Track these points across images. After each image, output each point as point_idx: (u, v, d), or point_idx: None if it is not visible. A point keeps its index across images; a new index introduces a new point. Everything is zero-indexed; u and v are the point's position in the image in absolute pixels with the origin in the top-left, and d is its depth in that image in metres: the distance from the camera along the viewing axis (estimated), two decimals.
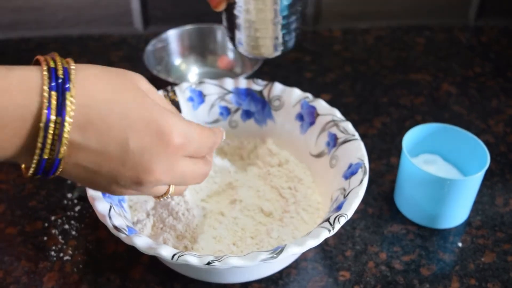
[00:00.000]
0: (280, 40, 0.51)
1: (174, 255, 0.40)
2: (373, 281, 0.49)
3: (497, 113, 0.70)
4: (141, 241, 0.41)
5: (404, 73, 0.76)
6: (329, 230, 0.41)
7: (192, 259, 0.39)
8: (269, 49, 0.52)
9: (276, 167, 0.55)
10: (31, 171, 0.34)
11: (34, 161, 0.33)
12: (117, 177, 0.35)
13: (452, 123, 0.56)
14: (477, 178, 0.51)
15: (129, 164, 0.35)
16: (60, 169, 0.34)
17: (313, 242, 0.41)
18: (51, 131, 0.32)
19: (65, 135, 0.33)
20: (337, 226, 0.42)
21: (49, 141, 0.32)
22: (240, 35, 0.51)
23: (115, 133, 0.34)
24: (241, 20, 0.49)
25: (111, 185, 0.36)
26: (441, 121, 0.57)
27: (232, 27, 0.51)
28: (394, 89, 0.73)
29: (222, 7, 0.49)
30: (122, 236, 0.41)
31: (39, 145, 0.32)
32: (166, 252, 0.40)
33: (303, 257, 0.50)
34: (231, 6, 0.49)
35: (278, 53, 0.52)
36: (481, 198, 0.57)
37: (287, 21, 0.50)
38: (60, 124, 0.32)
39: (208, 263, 0.39)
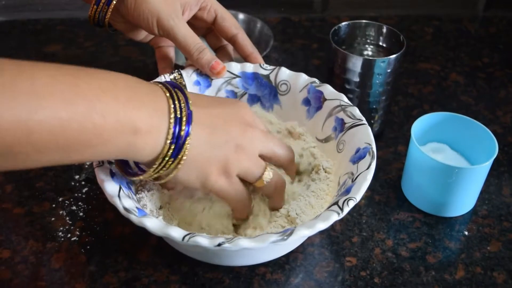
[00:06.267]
0: None
1: (184, 236, 0.40)
2: (379, 268, 0.49)
3: (505, 103, 0.69)
4: (152, 223, 0.40)
5: (413, 62, 0.76)
6: (338, 213, 0.41)
7: (202, 241, 0.39)
8: None
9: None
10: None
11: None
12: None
13: (460, 113, 0.56)
14: (485, 167, 0.51)
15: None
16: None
17: (323, 225, 0.41)
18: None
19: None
20: (346, 210, 0.42)
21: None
22: None
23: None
24: None
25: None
26: (449, 110, 0.57)
27: None
28: (402, 78, 0.73)
29: (224, 74, 0.54)
30: (132, 217, 0.41)
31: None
32: (176, 233, 0.40)
33: (309, 242, 0.51)
34: None
35: None
36: (488, 187, 0.57)
37: None
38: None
39: (219, 245, 0.39)
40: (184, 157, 0.40)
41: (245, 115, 0.44)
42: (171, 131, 0.39)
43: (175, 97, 0.40)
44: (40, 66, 0.35)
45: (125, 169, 0.44)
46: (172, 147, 0.39)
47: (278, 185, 0.46)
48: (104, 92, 0.36)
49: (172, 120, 0.39)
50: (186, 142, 0.39)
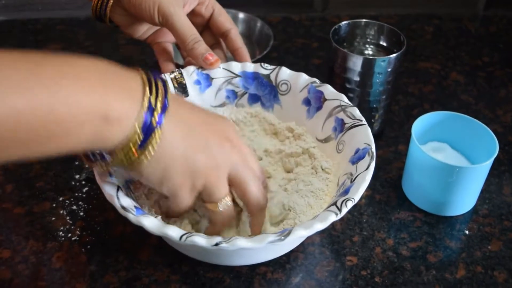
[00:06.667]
0: None
1: (182, 236, 0.40)
2: (380, 267, 0.49)
3: (505, 102, 0.69)
4: (149, 222, 0.40)
5: (413, 61, 0.76)
6: (336, 214, 0.41)
7: (200, 240, 0.39)
8: None
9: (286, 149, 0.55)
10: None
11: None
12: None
13: (460, 112, 0.56)
14: (485, 167, 0.51)
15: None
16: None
17: (320, 226, 0.41)
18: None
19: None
20: (344, 210, 0.42)
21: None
22: None
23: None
24: None
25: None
26: (449, 110, 0.57)
27: None
28: (403, 77, 0.72)
29: (217, 66, 0.54)
30: (130, 216, 0.41)
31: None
32: (174, 232, 0.40)
33: (310, 241, 0.51)
34: None
35: None
36: (489, 187, 0.57)
37: None
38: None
39: (216, 244, 0.39)
40: (151, 150, 0.37)
41: (229, 130, 0.42)
42: (142, 117, 0.35)
43: (153, 86, 0.37)
44: (1, 54, 0.31)
45: (85, 154, 0.40)
46: (141, 135, 0.36)
47: (226, 219, 0.43)
48: (69, 78, 0.33)
49: (145, 105, 0.36)
50: (157, 132, 0.36)
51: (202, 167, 0.39)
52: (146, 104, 0.36)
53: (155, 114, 0.36)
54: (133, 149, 0.36)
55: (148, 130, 0.36)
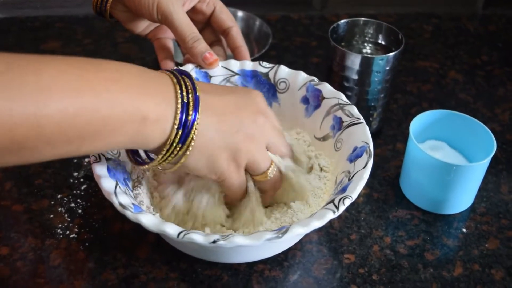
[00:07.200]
0: None
1: (179, 233, 0.40)
2: (377, 265, 0.49)
3: (503, 101, 0.69)
4: (147, 219, 0.41)
5: (411, 60, 0.76)
6: (334, 212, 0.41)
7: (197, 237, 0.39)
8: None
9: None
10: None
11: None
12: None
13: (458, 110, 0.56)
14: (483, 165, 0.51)
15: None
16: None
17: (318, 223, 0.41)
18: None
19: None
20: (342, 208, 0.42)
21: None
22: None
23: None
24: None
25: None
26: (447, 108, 0.57)
27: None
28: (401, 76, 0.73)
29: (216, 66, 0.54)
30: (128, 213, 0.41)
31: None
32: (171, 230, 0.40)
33: (308, 239, 0.51)
34: None
35: None
36: (486, 185, 0.57)
37: None
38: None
39: (214, 242, 0.39)
40: (192, 143, 0.40)
41: (258, 103, 0.44)
42: (178, 116, 0.39)
43: (182, 83, 0.40)
44: (47, 59, 0.35)
45: (134, 158, 0.44)
46: (180, 132, 0.39)
47: (277, 182, 0.46)
48: (110, 82, 0.36)
49: (179, 106, 0.39)
50: (194, 128, 0.39)
51: (242, 146, 0.42)
52: (179, 104, 0.39)
53: (190, 111, 0.39)
54: (175, 145, 0.39)
55: (185, 127, 0.39)
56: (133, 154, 0.44)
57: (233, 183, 0.44)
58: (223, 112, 0.42)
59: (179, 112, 0.39)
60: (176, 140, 0.39)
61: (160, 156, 0.40)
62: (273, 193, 0.48)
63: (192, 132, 0.39)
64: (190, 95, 0.40)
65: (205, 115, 0.40)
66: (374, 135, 0.55)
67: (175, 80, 0.40)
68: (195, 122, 0.40)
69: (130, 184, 0.48)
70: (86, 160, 0.57)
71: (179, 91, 0.39)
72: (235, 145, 0.42)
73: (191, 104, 0.39)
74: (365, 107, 0.59)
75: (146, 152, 0.45)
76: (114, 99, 0.36)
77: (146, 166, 0.43)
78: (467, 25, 0.84)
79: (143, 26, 0.57)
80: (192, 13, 0.57)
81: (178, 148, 0.40)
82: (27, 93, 0.33)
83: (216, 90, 0.43)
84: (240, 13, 0.74)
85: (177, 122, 0.39)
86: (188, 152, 0.40)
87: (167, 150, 0.40)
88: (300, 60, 0.75)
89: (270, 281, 0.47)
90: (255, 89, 0.47)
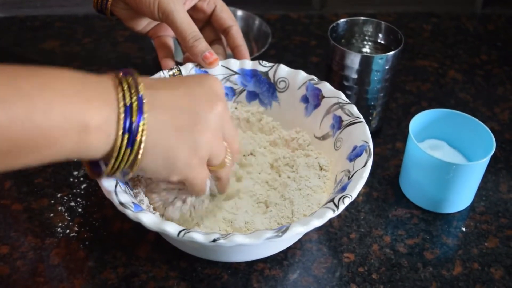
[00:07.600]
0: None
1: (180, 232, 0.40)
2: (377, 263, 0.49)
3: (503, 100, 0.70)
4: (147, 218, 0.41)
5: (411, 59, 0.76)
6: (334, 211, 0.41)
7: (197, 236, 0.39)
8: None
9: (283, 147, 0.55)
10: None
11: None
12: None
13: (458, 110, 0.56)
14: (482, 164, 0.51)
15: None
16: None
17: (318, 222, 0.41)
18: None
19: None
20: (342, 207, 0.42)
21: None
22: None
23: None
24: None
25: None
26: (447, 107, 0.57)
27: None
28: (401, 75, 0.73)
29: (216, 65, 0.54)
30: (128, 212, 0.41)
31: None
32: (171, 228, 0.40)
33: (308, 238, 0.51)
34: None
35: None
36: (485, 184, 0.57)
37: None
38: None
39: (214, 240, 0.39)
40: (141, 146, 0.37)
41: (215, 89, 0.42)
42: (121, 121, 0.36)
43: (125, 85, 0.37)
44: None
45: (93, 168, 0.41)
46: (126, 137, 0.36)
47: (230, 170, 0.45)
48: (46, 88, 0.33)
49: (121, 109, 0.36)
50: (140, 130, 0.37)
51: (201, 140, 0.40)
52: (122, 107, 0.36)
53: (133, 112, 0.36)
54: (124, 151, 0.37)
55: (130, 130, 0.36)
56: (91, 164, 0.41)
57: (197, 180, 0.42)
58: (175, 108, 0.39)
59: (122, 116, 0.36)
60: (124, 146, 0.37)
61: (110, 164, 0.38)
62: (227, 181, 0.46)
63: (139, 135, 0.37)
64: (133, 96, 0.37)
65: (154, 113, 0.38)
66: (374, 134, 0.55)
67: (117, 82, 0.37)
68: (141, 124, 0.37)
69: (130, 183, 0.48)
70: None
71: (121, 94, 0.36)
72: (194, 140, 0.39)
73: (134, 104, 0.36)
74: (364, 106, 0.59)
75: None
76: (49, 106, 0.33)
77: (101, 176, 0.40)
78: (467, 25, 0.84)
79: (143, 24, 0.57)
80: (193, 11, 0.57)
81: (128, 153, 0.37)
82: None
83: (167, 85, 0.40)
84: (239, 12, 0.74)
85: (120, 127, 0.36)
86: (139, 156, 0.37)
87: (116, 157, 0.37)
88: (299, 59, 0.75)
89: (269, 280, 0.47)
90: (211, 75, 0.44)
